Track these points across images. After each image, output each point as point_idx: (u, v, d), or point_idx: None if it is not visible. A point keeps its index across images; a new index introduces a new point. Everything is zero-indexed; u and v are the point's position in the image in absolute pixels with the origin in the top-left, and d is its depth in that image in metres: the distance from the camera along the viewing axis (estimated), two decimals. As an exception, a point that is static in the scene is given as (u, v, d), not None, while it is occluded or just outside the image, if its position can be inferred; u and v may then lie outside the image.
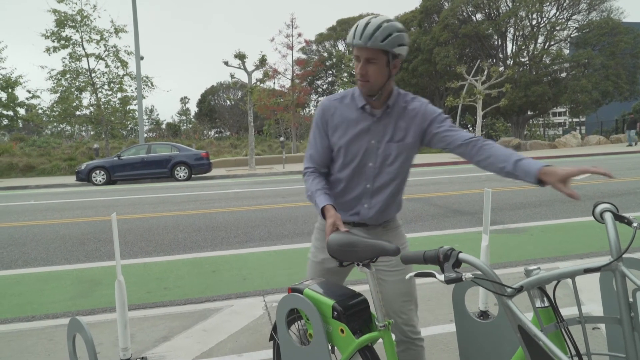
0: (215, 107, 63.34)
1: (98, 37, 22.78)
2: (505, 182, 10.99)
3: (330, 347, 1.91)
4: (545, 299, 1.29)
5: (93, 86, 23.12)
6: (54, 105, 22.96)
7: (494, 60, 35.43)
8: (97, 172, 16.35)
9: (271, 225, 7.10)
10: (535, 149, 25.69)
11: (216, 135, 58.28)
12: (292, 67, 26.73)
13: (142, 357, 2.92)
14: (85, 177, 16.30)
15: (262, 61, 20.24)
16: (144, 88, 23.39)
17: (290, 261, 5.09)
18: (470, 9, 35.87)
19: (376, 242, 1.59)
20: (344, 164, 1.90)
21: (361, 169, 1.89)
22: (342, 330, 1.64)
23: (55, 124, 30.91)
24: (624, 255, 1.26)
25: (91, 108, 23.55)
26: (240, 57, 19.79)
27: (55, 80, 22.58)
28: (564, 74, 34.39)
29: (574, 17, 34.00)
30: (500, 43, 36.58)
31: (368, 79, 1.78)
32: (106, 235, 6.81)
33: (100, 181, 16.33)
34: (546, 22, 33.76)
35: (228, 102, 62.34)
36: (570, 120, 64.43)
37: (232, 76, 22.10)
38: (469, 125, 43.13)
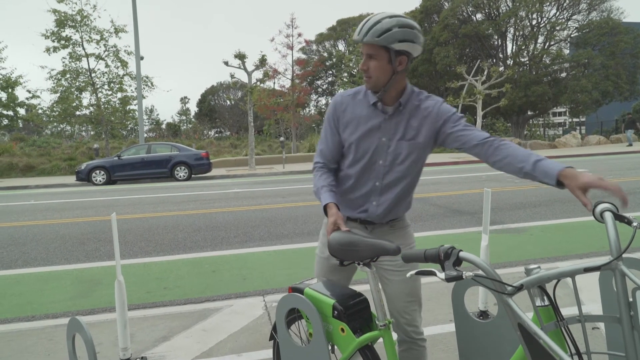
0: (215, 107, 63.35)
1: (98, 37, 22.79)
2: (505, 182, 10.99)
3: (330, 347, 1.91)
4: (545, 297, 1.30)
5: (93, 86, 23.12)
6: (54, 105, 22.96)
7: (494, 60, 35.43)
8: (97, 172, 16.36)
9: (271, 225, 7.10)
10: (535, 149, 25.69)
11: (216, 135, 58.29)
12: (292, 67, 26.74)
13: (142, 357, 2.92)
14: (85, 177, 16.30)
15: (262, 61, 20.24)
16: (144, 88, 23.39)
17: (290, 261, 5.09)
18: (470, 9, 35.87)
19: (377, 241, 1.59)
20: (354, 160, 1.89)
21: (371, 166, 1.87)
22: (342, 330, 1.64)
23: (55, 124, 30.90)
24: (624, 255, 1.26)
25: (91, 108, 23.55)
26: (240, 57, 19.80)
27: (55, 80, 22.58)
28: (564, 74, 34.39)
29: (574, 17, 34.00)
30: (500, 43, 36.58)
31: (370, 75, 1.78)
32: (106, 235, 6.81)
33: (100, 181, 16.33)
34: (546, 22, 33.76)
35: (228, 102, 62.35)
36: (570, 120, 64.43)
37: (232, 76, 22.11)
38: (469, 125, 42.93)
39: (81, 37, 22.54)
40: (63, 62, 22.66)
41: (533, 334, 1.20)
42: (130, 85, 23.96)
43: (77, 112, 23.51)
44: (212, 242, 6.15)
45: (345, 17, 53.15)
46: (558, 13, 33.64)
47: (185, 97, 73.25)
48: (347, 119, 1.89)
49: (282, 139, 21.68)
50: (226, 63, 19.98)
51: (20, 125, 31.88)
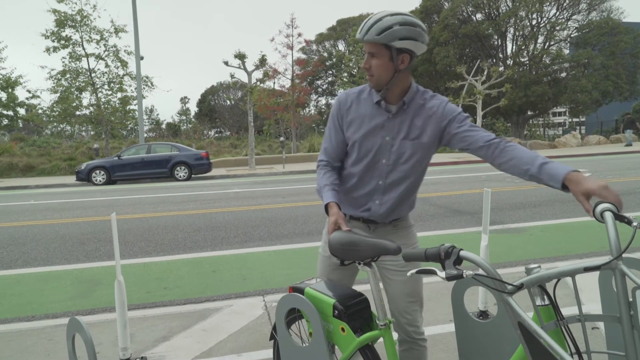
0: (215, 107, 63.34)
1: (98, 37, 22.79)
2: (505, 182, 10.99)
3: (330, 347, 1.91)
4: (545, 297, 1.30)
5: (93, 86, 23.11)
6: (54, 105, 22.96)
7: (494, 60, 35.44)
8: (97, 172, 16.36)
9: (271, 225, 7.10)
10: (535, 148, 25.69)
11: (216, 135, 58.28)
12: (292, 67, 26.73)
13: (142, 357, 2.92)
14: (85, 177, 16.30)
15: (262, 61, 20.24)
16: (144, 88, 23.39)
17: (289, 261, 5.09)
18: (470, 9, 35.87)
19: (378, 241, 1.59)
20: (358, 159, 1.88)
21: (374, 165, 1.86)
22: (342, 329, 1.64)
23: (55, 124, 30.91)
24: (624, 255, 1.26)
25: (91, 108, 23.54)
26: (240, 57, 19.79)
27: (55, 80, 22.57)
28: (564, 74, 34.39)
29: (574, 17, 34.00)
30: (500, 43, 36.58)
31: (372, 74, 1.77)
32: (106, 235, 6.81)
33: (100, 181, 16.33)
34: (546, 22, 33.76)
35: (228, 102, 62.34)
36: (570, 120, 64.43)
37: (232, 76, 22.11)
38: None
39: (81, 37, 22.55)
40: (63, 62, 22.68)
41: (533, 333, 1.21)
42: (130, 85, 23.97)
43: (77, 112, 23.51)
44: (212, 242, 6.15)
45: (345, 17, 53.17)
46: (558, 13, 33.65)
47: (185, 97, 73.26)
48: (351, 117, 1.89)
49: (282, 139, 21.68)
50: (226, 63, 19.98)
51: (20, 125, 31.87)
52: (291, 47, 25.91)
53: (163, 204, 9.90)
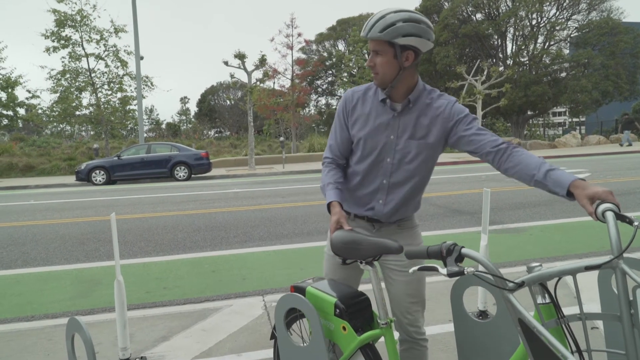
0: (215, 107, 63.32)
1: (98, 37, 22.79)
2: (505, 182, 10.99)
3: (330, 346, 1.91)
4: (546, 295, 1.30)
5: (93, 86, 23.11)
6: (54, 105, 22.96)
7: (494, 60, 35.44)
8: (97, 172, 16.35)
9: (271, 225, 7.10)
10: (535, 148, 25.69)
11: (216, 135, 58.26)
12: (292, 67, 26.73)
13: (141, 357, 2.92)
14: (85, 177, 16.30)
15: (262, 61, 20.24)
16: (143, 88, 23.39)
17: (289, 261, 5.09)
18: (470, 8, 35.87)
19: (380, 240, 1.60)
20: (362, 157, 1.87)
21: (378, 164, 1.85)
22: (344, 328, 1.65)
23: (55, 124, 30.90)
24: (624, 255, 1.27)
25: (91, 108, 23.54)
26: (240, 57, 19.79)
27: (55, 80, 22.57)
28: (563, 74, 34.39)
29: (573, 17, 34.01)
30: (500, 43, 36.58)
31: (377, 71, 1.76)
32: (106, 235, 6.81)
33: (100, 181, 16.33)
34: (546, 22, 33.76)
35: (228, 102, 62.33)
36: (570, 120, 64.44)
37: (232, 76, 22.12)
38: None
39: (81, 37, 22.55)
40: (62, 62, 22.67)
41: (534, 330, 1.21)
42: (130, 85, 23.97)
43: (77, 112, 23.50)
44: (212, 242, 6.15)
45: (345, 17, 53.11)
46: (558, 13, 33.65)
47: (185, 97, 73.24)
48: (357, 115, 1.88)
49: (281, 139, 21.68)
50: (226, 63, 19.98)
51: (20, 125, 31.88)
52: (291, 47, 25.91)
53: (163, 204, 9.90)
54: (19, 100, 24.73)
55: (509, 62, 35.25)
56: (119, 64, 23.46)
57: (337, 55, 47.41)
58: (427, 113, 1.81)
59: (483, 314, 3.26)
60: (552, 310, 1.30)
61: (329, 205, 1.82)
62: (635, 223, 1.26)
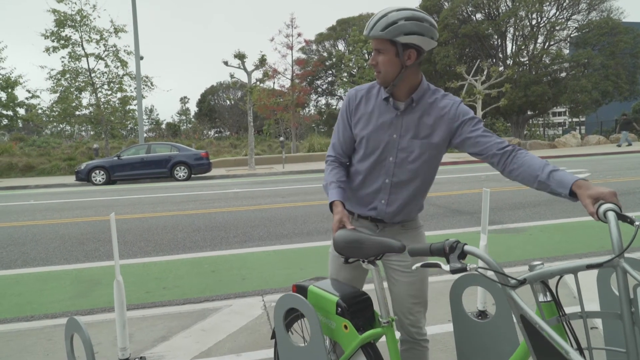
0: (215, 107, 63.32)
1: (98, 37, 22.79)
2: (505, 182, 10.99)
3: (329, 346, 1.91)
4: (547, 293, 1.31)
5: (93, 86, 23.11)
6: (54, 105, 22.95)
7: (494, 60, 35.45)
8: (97, 172, 16.35)
9: (270, 225, 7.10)
10: (535, 148, 25.69)
11: (216, 135, 58.27)
12: (292, 67, 26.73)
13: (141, 357, 2.92)
14: (84, 177, 16.30)
15: (262, 61, 20.24)
16: (143, 88, 23.39)
17: (289, 261, 5.09)
18: (470, 8, 35.88)
19: (382, 239, 1.60)
20: (364, 155, 1.87)
21: (381, 163, 1.84)
22: (345, 327, 1.65)
23: (55, 124, 30.89)
24: (625, 255, 1.27)
25: (91, 108, 23.54)
26: (240, 57, 19.79)
27: (55, 80, 22.57)
28: (563, 74, 34.39)
29: (573, 17, 34.01)
30: (500, 43, 36.59)
31: (379, 70, 1.76)
32: (105, 235, 6.81)
33: (99, 181, 16.33)
34: (546, 22, 33.77)
35: (228, 102, 62.33)
36: (570, 120, 64.45)
37: (231, 76, 22.12)
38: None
39: (81, 37, 22.55)
40: (62, 62, 22.66)
41: (535, 325, 1.21)
42: (130, 85, 23.96)
43: (77, 112, 23.49)
44: (212, 242, 6.15)
45: (345, 17, 53.08)
46: (558, 13, 33.66)
47: (185, 97, 73.26)
48: (360, 114, 1.88)
49: (281, 139, 21.68)
50: (226, 63, 19.99)
51: (20, 125, 31.89)
52: (291, 47, 25.91)
53: (162, 204, 9.90)
54: (18, 100, 24.75)
55: (509, 62, 35.26)
56: (118, 64, 23.47)
57: (337, 55, 47.41)
58: (431, 113, 1.80)
59: (482, 314, 3.26)
60: (554, 308, 1.31)
61: (331, 205, 1.82)
62: (636, 223, 1.27)
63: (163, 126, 59.93)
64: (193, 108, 76.89)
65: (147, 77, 24.11)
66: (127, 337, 2.82)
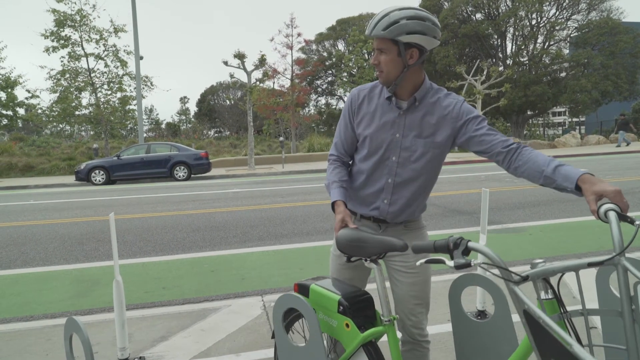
0: (214, 107, 63.34)
1: (97, 37, 22.78)
2: (504, 182, 10.99)
3: (329, 346, 1.92)
4: (549, 290, 1.32)
5: (92, 86, 23.10)
6: (54, 105, 22.95)
7: (494, 60, 35.46)
8: (97, 172, 16.35)
9: (270, 225, 7.10)
10: (535, 148, 25.60)
11: (216, 135, 58.30)
12: (292, 67, 26.73)
13: (140, 357, 2.91)
14: (84, 177, 16.29)
15: (262, 61, 20.24)
16: (143, 88, 23.38)
17: (288, 261, 5.09)
18: (470, 8, 35.90)
19: (385, 238, 1.61)
20: (367, 155, 1.86)
21: (383, 162, 1.84)
22: (347, 325, 1.66)
23: (54, 123, 30.87)
24: (625, 255, 1.28)
25: (90, 108, 23.54)
26: (240, 57, 19.80)
27: (55, 80, 22.56)
28: (563, 74, 34.43)
29: (573, 17, 34.05)
30: (499, 43, 36.62)
31: (381, 69, 1.75)
32: (105, 235, 6.81)
33: (99, 181, 16.33)
34: (546, 22, 33.79)
35: (228, 102, 62.33)
36: (569, 120, 64.47)
37: (231, 76, 22.14)
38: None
39: (80, 37, 22.53)
40: (62, 61, 22.65)
41: (538, 320, 1.22)
42: (129, 85, 23.95)
43: (77, 112, 23.48)
44: (211, 242, 6.15)
45: (345, 17, 53.11)
46: (558, 13, 33.70)
47: (185, 97, 73.32)
48: (363, 113, 1.87)
49: (281, 138, 21.69)
50: (225, 63, 19.99)
51: (20, 125, 31.88)
52: (291, 47, 25.91)
53: (162, 204, 9.90)
54: (18, 100, 24.75)
55: (509, 62, 35.28)
56: (118, 63, 23.46)
57: (337, 55, 47.42)
58: (434, 112, 1.79)
59: (481, 313, 3.26)
60: (555, 306, 1.31)
61: (333, 205, 1.82)
62: (637, 222, 1.28)
63: (163, 126, 59.97)
64: (193, 108, 76.98)
65: (146, 77, 24.11)
66: (126, 337, 2.82)
